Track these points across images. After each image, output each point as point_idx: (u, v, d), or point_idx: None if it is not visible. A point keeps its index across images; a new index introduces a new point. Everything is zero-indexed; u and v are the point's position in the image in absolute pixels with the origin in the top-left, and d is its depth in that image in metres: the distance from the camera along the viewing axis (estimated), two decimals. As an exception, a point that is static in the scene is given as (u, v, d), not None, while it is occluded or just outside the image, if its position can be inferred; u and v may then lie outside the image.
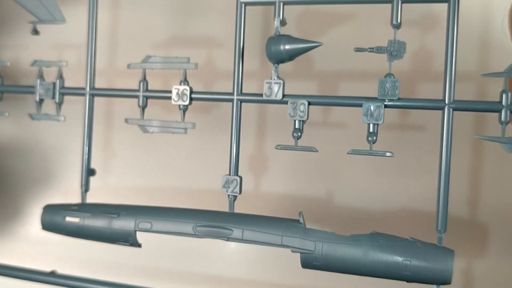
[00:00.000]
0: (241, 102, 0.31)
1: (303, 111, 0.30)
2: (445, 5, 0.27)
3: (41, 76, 0.35)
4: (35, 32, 0.35)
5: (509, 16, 0.28)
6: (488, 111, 0.27)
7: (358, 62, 0.36)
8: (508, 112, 0.27)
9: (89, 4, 0.33)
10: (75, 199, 0.33)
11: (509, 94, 0.27)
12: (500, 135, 0.27)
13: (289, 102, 0.30)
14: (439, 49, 0.28)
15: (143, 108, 0.33)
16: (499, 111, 0.27)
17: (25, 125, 0.44)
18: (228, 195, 0.31)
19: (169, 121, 0.32)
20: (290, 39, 0.29)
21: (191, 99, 0.32)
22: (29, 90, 0.35)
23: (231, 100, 0.31)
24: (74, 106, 0.36)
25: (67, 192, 0.45)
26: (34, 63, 0.35)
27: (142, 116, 0.33)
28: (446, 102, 0.27)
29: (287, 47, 0.29)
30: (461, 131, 0.28)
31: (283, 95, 0.30)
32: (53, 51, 0.44)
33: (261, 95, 0.30)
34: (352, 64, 0.36)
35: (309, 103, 0.30)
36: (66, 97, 0.34)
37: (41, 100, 0.35)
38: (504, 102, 0.27)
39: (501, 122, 0.27)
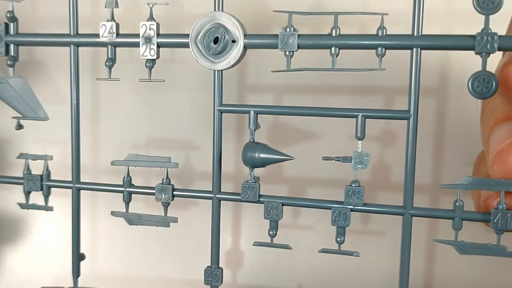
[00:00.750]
0: (220, 200, 0.34)
1: (277, 213, 0.32)
2: (405, 122, 0.30)
3: (27, 168, 0.36)
4: (19, 126, 0.36)
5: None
6: (443, 218, 0.30)
7: (326, 169, 0.39)
8: (460, 220, 0.30)
9: (71, 107, 0.35)
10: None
11: (462, 203, 0.30)
12: (453, 238, 0.30)
13: (264, 204, 0.32)
14: (397, 161, 0.30)
15: (127, 202, 0.35)
16: (453, 219, 0.30)
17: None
18: (210, 286, 0.34)
19: (153, 215, 0.35)
20: (265, 148, 0.31)
21: (173, 195, 0.34)
22: (17, 181, 0.37)
23: (211, 198, 0.34)
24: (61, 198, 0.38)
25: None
26: (20, 155, 0.36)
27: (127, 210, 0.35)
28: (407, 209, 0.30)
29: (261, 155, 0.31)
30: (416, 232, 0.31)
31: (259, 196, 0.33)
32: (35, 145, 0.45)
33: (238, 194, 0.33)
34: (319, 171, 0.39)
35: (283, 204, 0.32)
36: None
37: (29, 191, 0.37)
38: (457, 212, 0.30)
39: (454, 228, 0.30)
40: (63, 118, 0.36)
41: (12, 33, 0.35)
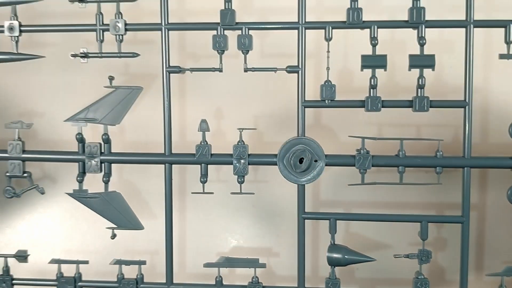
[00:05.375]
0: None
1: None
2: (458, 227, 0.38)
3: (121, 273, 0.40)
4: (114, 236, 0.40)
5: None
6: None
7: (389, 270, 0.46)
8: None
9: (165, 219, 0.39)
10: None
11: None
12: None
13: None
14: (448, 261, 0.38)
15: None
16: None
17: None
18: None
19: None
20: (348, 251, 0.38)
21: None
22: (112, 285, 0.40)
23: None
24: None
25: None
26: (113, 261, 0.40)
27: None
28: (462, 293, 0.38)
29: (347, 256, 0.38)
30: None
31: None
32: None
33: None
34: (384, 273, 0.47)
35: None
36: None
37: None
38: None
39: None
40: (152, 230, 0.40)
41: (105, 152, 0.39)
